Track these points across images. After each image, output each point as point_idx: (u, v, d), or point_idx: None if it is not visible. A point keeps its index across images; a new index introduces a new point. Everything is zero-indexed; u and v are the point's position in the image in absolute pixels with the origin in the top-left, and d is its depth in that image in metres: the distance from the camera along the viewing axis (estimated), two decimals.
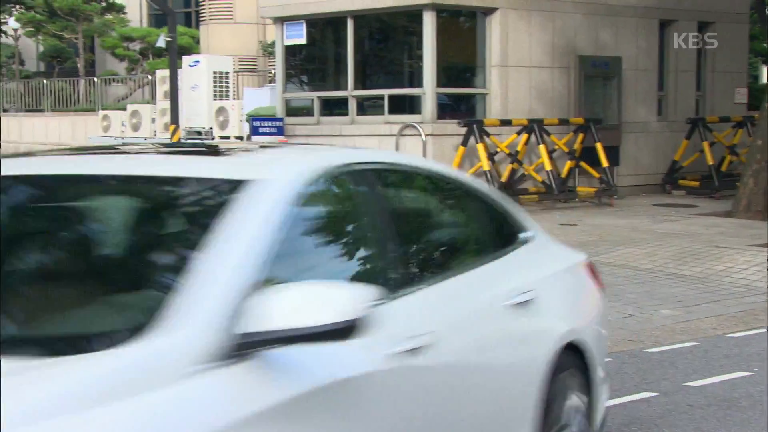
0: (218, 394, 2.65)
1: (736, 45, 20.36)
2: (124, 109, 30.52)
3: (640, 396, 6.48)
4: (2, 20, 42.42)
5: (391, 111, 16.70)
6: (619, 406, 6.26)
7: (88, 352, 2.60)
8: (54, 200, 3.63)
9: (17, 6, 40.73)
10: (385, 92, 17.00)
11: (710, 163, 18.37)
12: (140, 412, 2.46)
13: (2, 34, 42.64)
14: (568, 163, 17.09)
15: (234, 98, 27.99)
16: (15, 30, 39.98)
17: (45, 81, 36.10)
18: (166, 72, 28.57)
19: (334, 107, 17.66)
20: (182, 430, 2.51)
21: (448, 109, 17.02)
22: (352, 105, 17.16)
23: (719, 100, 20.21)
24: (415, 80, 16.95)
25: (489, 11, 16.70)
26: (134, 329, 2.68)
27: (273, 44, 24.02)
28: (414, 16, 16.67)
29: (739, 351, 7.78)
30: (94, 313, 2.99)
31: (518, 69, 16.96)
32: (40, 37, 40.27)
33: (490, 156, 16.12)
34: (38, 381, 2.45)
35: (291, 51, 18.35)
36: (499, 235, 4.67)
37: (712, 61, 20.03)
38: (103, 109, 31.67)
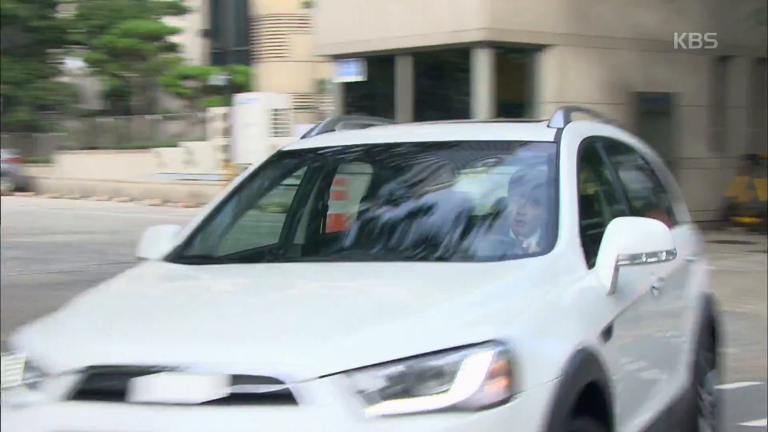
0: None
1: None
2: (178, 145, 30.89)
3: None
4: (61, 60, 43.17)
5: None
6: None
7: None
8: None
9: (79, 46, 41.49)
10: None
11: (763, 199, 18.21)
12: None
13: (64, 74, 43.46)
14: None
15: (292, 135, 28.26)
16: (77, 69, 40.72)
17: (103, 119, 36.65)
18: (220, 110, 28.92)
19: None
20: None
21: None
22: None
23: None
24: (470, 116, 17.02)
25: (544, 48, 16.75)
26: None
27: (328, 81, 24.23)
28: (468, 53, 16.76)
29: None
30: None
31: None
32: (100, 77, 40.96)
33: None
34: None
35: (345, 88, 18.51)
36: None
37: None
38: (156, 147, 32.00)
